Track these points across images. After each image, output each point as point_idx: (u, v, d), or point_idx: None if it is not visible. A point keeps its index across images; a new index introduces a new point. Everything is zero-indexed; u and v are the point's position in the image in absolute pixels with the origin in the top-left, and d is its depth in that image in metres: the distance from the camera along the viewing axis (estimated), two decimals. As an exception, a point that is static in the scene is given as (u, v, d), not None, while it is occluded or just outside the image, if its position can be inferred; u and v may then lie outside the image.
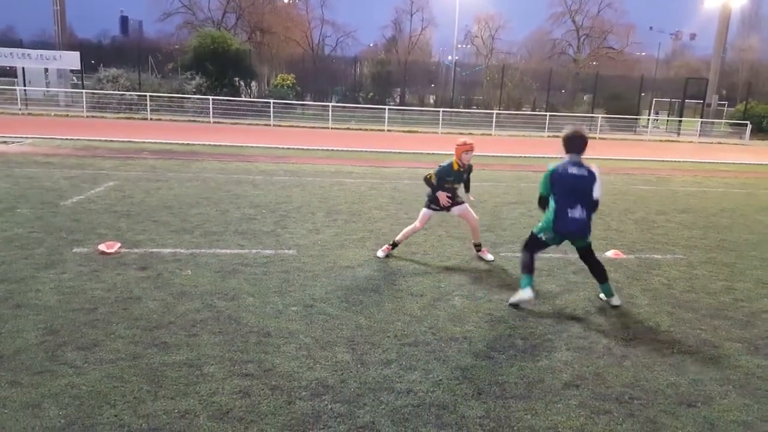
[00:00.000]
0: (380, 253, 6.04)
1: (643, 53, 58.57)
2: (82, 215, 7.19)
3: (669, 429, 3.12)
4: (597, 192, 4.50)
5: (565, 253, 6.52)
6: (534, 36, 57.02)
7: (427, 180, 5.96)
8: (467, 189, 6.24)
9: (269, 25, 44.79)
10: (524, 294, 4.67)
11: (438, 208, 5.99)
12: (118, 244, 5.91)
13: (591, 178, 4.47)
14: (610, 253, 6.54)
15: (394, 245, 6.10)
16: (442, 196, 5.88)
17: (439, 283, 5.28)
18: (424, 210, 6.03)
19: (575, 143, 4.58)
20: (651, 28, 63.94)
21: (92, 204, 7.87)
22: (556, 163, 4.60)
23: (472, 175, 6.19)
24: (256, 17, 45.03)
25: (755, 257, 6.75)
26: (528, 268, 4.74)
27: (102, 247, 5.80)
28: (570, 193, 4.47)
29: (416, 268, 5.72)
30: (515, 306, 4.76)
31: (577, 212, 4.48)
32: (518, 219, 8.22)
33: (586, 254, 4.84)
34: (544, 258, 6.27)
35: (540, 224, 4.74)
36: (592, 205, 4.55)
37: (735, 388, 3.61)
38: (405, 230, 6.12)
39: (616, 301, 4.92)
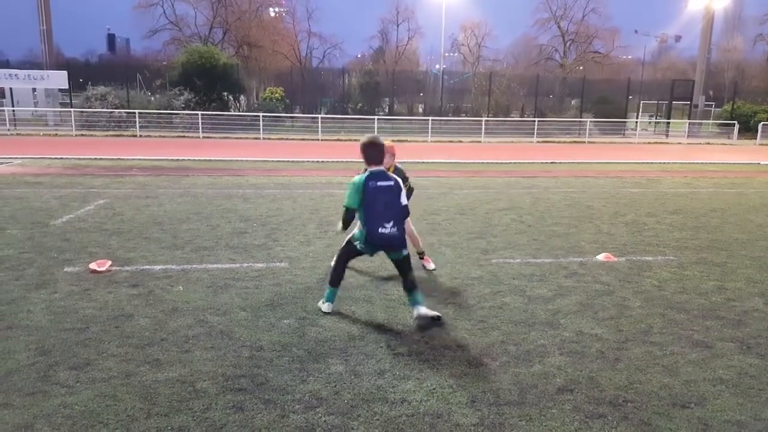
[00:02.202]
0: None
1: (629, 56, 59.29)
2: (72, 234, 7.15)
3: (663, 431, 3.13)
4: (404, 199, 4.47)
5: (557, 257, 6.56)
6: (520, 42, 57.63)
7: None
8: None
9: (256, 39, 44.94)
10: (324, 306, 4.65)
11: None
12: (109, 263, 5.88)
13: (397, 186, 4.42)
14: (601, 257, 6.57)
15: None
16: None
17: (431, 292, 5.28)
18: None
19: (376, 152, 4.46)
20: (636, 31, 64.67)
21: (82, 223, 7.83)
22: (362, 175, 4.43)
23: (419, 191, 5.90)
24: (243, 32, 45.18)
25: (746, 256, 6.81)
26: (336, 280, 4.66)
27: (93, 265, 5.77)
28: (380, 207, 4.35)
29: (409, 277, 5.72)
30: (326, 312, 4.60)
31: (388, 228, 4.35)
32: (509, 225, 8.25)
33: (401, 266, 4.55)
34: (535, 263, 6.31)
35: (356, 233, 4.57)
36: (403, 215, 4.48)
37: (728, 387, 3.62)
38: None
39: (423, 310, 4.44)
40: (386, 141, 5.58)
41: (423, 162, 16.90)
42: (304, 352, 3.98)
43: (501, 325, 4.54)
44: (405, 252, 4.55)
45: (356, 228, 4.61)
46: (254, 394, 3.40)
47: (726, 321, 4.74)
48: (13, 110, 26.29)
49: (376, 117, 28.27)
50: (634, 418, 3.24)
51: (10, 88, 27.41)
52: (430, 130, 27.10)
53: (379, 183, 4.37)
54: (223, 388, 3.47)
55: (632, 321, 4.69)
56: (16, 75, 26.28)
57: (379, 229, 4.34)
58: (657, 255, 6.79)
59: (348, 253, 4.70)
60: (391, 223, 4.36)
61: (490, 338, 4.28)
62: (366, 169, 4.52)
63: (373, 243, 4.43)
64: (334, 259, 4.83)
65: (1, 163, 14.27)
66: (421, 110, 39.64)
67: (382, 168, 4.48)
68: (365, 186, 4.34)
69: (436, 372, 3.73)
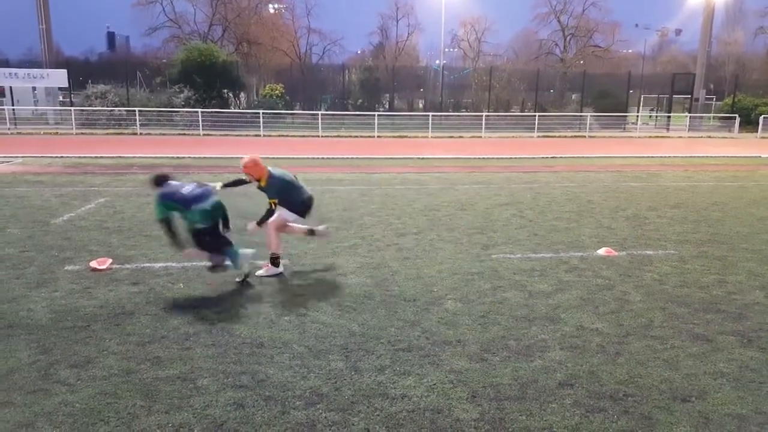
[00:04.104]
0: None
1: (630, 50, 59.09)
2: (73, 233, 7.16)
3: (664, 425, 3.13)
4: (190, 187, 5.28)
5: (557, 252, 6.56)
6: (520, 37, 57.46)
7: None
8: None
9: (256, 36, 44.85)
10: (247, 255, 5.30)
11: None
12: (110, 261, 5.88)
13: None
14: (602, 251, 6.56)
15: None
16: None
17: (431, 288, 5.28)
18: None
19: (166, 178, 5.25)
20: (636, 25, 64.49)
21: (83, 221, 7.83)
22: (166, 192, 5.08)
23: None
24: (243, 29, 45.08)
25: (747, 249, 6.79)
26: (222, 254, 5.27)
27: (93, 263, 5.78)
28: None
29: (408, 273, 5.72)
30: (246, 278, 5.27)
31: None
32: (510, 220, 8.25)
33: None
34: (536, 258, 6.31)
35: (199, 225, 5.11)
36: None
37: (729, 381, 3.62)
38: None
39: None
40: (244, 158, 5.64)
41: (423, 158, 16.89)
42: (304, 348, 3.99)
43: (501, 320, 4.54)
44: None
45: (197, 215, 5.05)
46: (255, 391, 3.41)
47: (727, 314, 4.73)
48: (13, 109, 26.25)
49: (376, 113, 28.17)
50: (635, 412, 3.24)
51: (10, 87, 27.37)
52: (430, 126, 27.06)
53: (186, 188, 5.17)
54: (223, 385, 3.48)
55: (633, 315, 4.69)
56: (15, 74, 26.24)
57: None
58: (658, 249, 6.78)
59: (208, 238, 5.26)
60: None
61: (491, 333, 4.28)
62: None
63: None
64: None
65: (2, 162, 14.28)
66: (421, 106, 39.54)
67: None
68: (168, 199, 5.10)
69: (436, 367, 3.73)
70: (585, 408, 3.28)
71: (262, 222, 5.56)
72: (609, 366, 3.79)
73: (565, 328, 4.39)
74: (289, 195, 5.62)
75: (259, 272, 5.61)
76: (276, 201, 5.52)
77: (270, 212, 5.53)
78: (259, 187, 5.66)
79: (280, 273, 5.65)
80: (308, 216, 5.83)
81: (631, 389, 3.49)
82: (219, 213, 5.27)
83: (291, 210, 5.66)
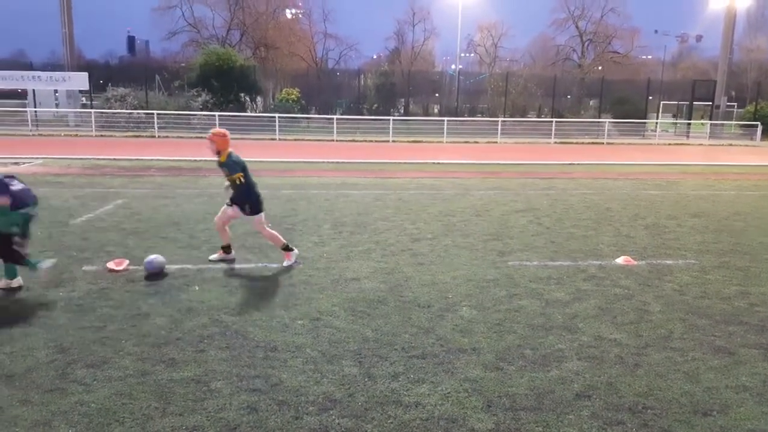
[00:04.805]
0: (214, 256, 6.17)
1: (649, 56, 58.33)
2: (91, 233, 7.24)
3: (684, 438, 3.06)
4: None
5: (575, 260, 6.47)
6: (537, 42, 57.09)
7: None
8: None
9: (273, 40, 45.22)
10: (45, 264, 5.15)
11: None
12: (127, 262, 5.93)
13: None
14: (621, 260, 6.47)
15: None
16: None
17: (446, 294, 5.24)
18: None
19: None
20: (656, 31, 63.53)
21: (101, 222, 7.92)
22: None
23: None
24: (260, 33, 45.49)
25: (769, 260, 6.65)
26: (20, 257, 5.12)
27: (111, 264, 5.83)
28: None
29: (423, 278, 5.69)
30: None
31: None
32: (526, 227, 8.17)
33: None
34: (552, 266, 6.23)
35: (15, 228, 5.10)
36: None
37: (752, 395, 3.53)
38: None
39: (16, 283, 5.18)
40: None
41: (438, 163, 16.84)
42: (318, 353, 3.97)
43: (517, 328, 4.49)
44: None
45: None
46: (268, 395, 3.40)
47: (749, 327, 4.63)
48: (36, 111, 26.70)
49: (391, 118, 28.20)
50: (654, 426, 3.17)
51: (33, 90, 27.91)
52: (445, 131, 26.97)
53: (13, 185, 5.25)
54: (237, 388, 3.47)
55: (652, 326, 4.60)
56: (38, 77, 26.72)
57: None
58: (678, 258, 6.66)
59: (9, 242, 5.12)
60: None
61: (507, 342, 4.23)
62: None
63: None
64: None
65: (24, 163, 14.52)
66: (436, 111, 39.55)
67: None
68: None
69: (451, 376, 3.69)
70: (603, 420, 3.21)
71: (238, 204, 5.99)
72: (628, 378, 3.72)
73: (583, 338, 4.32)
74: (247, 176, 5.92)
75: (285, 263, 6.04)
76: (242, 175, 5.84)
77: (240, 188, 5.86)
78: (219, 164, 5.93)
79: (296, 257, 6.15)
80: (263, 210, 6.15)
81: (650, 402, 3.42)
82: (27, 225, 5.27)
83: (249, 196, 5.96)
